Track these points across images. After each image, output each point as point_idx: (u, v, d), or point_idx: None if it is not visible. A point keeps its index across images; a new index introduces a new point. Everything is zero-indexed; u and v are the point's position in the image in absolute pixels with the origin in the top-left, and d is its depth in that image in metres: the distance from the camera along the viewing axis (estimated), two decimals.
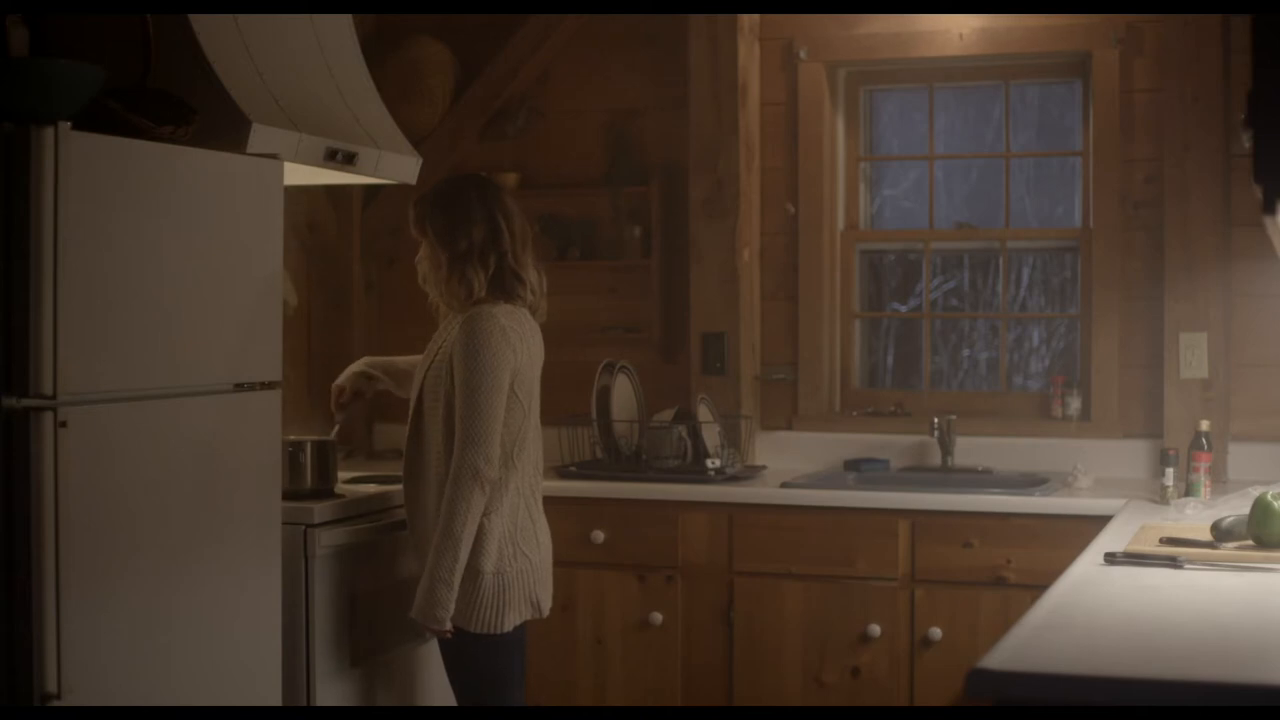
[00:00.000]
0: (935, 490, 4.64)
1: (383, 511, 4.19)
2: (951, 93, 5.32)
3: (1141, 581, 3.04)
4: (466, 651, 3.78)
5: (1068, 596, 2.92)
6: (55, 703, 3.02)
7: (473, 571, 3.70)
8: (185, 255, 3.42)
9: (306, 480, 4.08)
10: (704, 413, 4.98)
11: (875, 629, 4.51)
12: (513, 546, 3.77)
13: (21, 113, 3.06)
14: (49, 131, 3.03)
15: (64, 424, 3.06)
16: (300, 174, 4.07)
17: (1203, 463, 4.36)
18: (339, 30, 4.26)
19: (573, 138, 5.40)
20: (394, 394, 4.21)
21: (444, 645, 3.81)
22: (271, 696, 3.68)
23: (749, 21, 5.16)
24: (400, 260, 5.61)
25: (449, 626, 3.69)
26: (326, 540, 3.93)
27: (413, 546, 3.90)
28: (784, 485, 4.71)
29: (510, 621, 3.78)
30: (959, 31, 5.03)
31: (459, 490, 3.64)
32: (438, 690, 4.39)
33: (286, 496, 3.87)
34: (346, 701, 4.01)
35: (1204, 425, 4.46)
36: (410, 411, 3.86)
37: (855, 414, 5.21)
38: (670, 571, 4.71)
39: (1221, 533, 3.39)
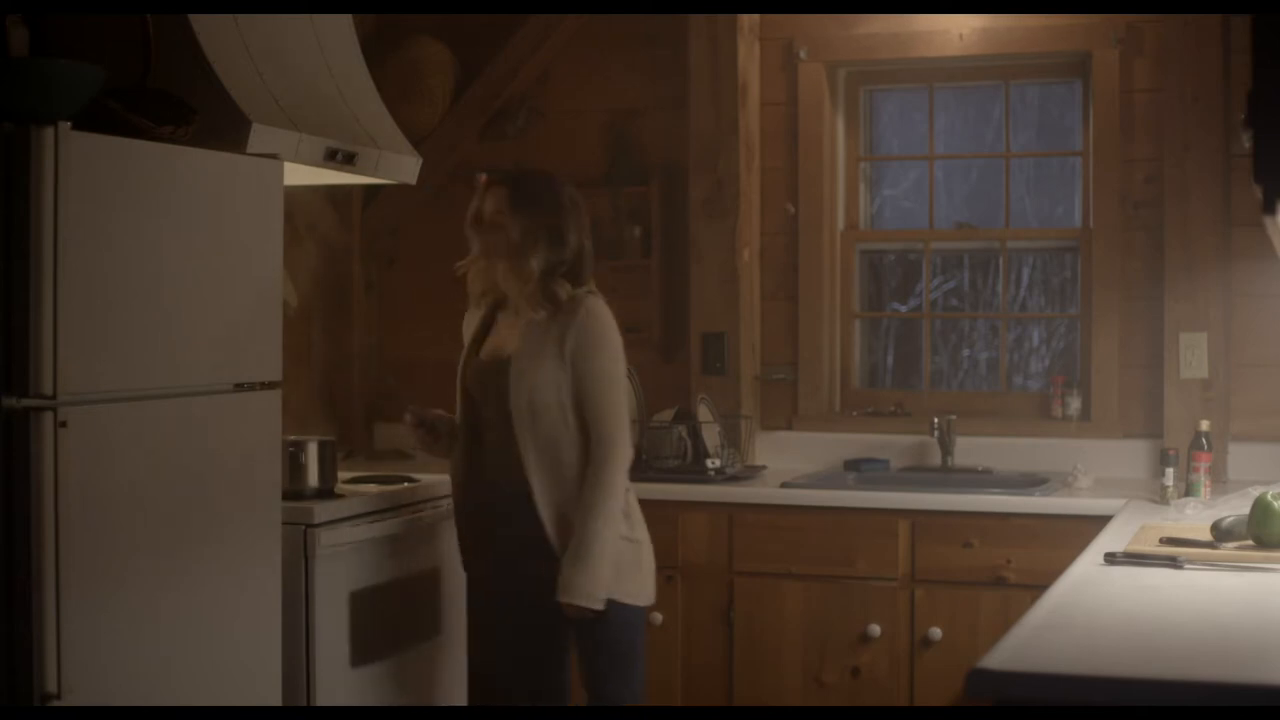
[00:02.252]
0: (935, 490, 4.64)
1: (383, 511, 4.19)
2: (951, 93, 5.32)
3: (1141, 581, 3.04)
4: (617, 623, 3.77)
5: (1068, 596, 2.92)
6: (55, 703, 3.02)
7: (633, 541, 3.78)
8: (185, 255, 3.42)
9: (307, 480, 4.08)
10: (704, 413, 4.98)
11: (875, 629, 4.51)
12: (642, 523, 3.87)
13: (21, 113, 3.06)
14: (49, 131, 3.03)
15: (64, 424, 3.06)
16: (300, 174, 4.07)
17: (1203, 463, 4.36)
18: (339, 30, 4.26)
19: (573, 138, 5.40)
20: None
21: (585, 626, 3.76)
22: (271, 696, 3.68)
23: (749, 21, 5.16)
24: (400, 260, 5.62)
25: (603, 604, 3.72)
26: (326, 540, 3.93)
27: (551, 540, 3.77)
28: (784, 485, 4.71)
29: (653, 591, 3.88)
30: (959, 31, 5.03)
31: (614, 473, 3.71)
32: (438, 690, 4.40)
33: (287, 496, 3.87)
34: (346, 701, 4.01)
35: (1204, 425, 4.46)
36: (498, 414, 3.79)
37: (855, 414, 5.21)
38: (670, 571, 4.70)
39: (1221, 533, 3.39)
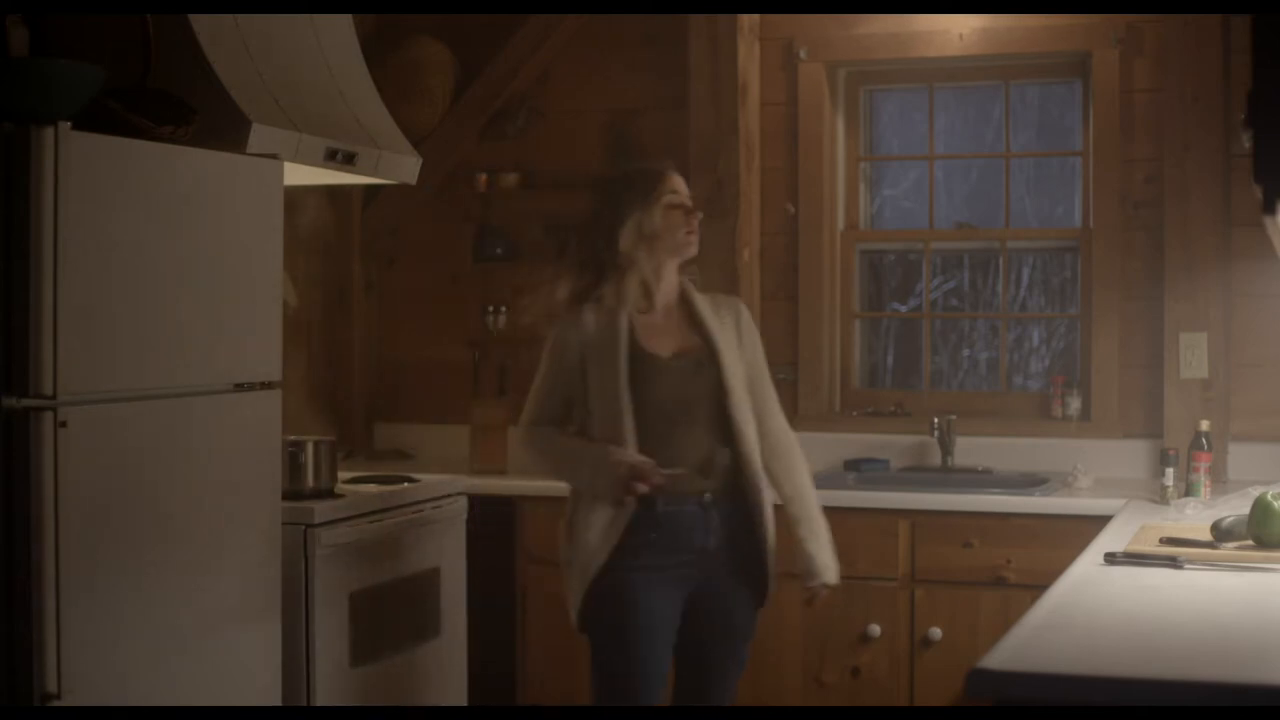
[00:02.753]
0: (935, 490, 4.64)
1: (383, 511, 4.19)
2: (951, 93, 5.32)
3: (1141, 581, 3.04)
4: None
5: (1068, 596, 2.92)
6: (55, 703, 3.02)
7: None
8: (185, 255, 3.42)
9: (306, 480, 4.08)
10: None
11: (875, 629, 4.51)
12: None
13: (21, 113, 3.06)
14: (49, 131, 3.03)
15: (64, 424, 3.06)
16: (300, 174, 4.07)
17: (1203, 463, 4.36)
18: (339, 30, 4.26)
19: (573, 138, 5.40)
20: None
21: (754, 617, 3.72)
22: (271, 696, 3.68)
23: (749, 21, 5.16)
24: (400, 260, 5.62)
25: None
26: (327, 540, 3.94)
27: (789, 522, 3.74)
28: None
29: None
30: (959, 31, 5.03)
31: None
32: (438, 690, 4.40)
33: (286, 496, 3.87)
34: (346, 701, 4.01)
35: (1204, 425, 4.46)
36: (694, 411, 3.61)
37: (855, 414, 5.20)
38: None
39: (1221, 533, 3.38)
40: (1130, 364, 4.92)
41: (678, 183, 3.69)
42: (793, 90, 5.20)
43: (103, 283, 3.19)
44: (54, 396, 3.06)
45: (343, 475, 4.38)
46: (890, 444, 5.09)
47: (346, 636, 4.01)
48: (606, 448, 3.54)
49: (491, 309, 5.41)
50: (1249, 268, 4.75)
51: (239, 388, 3.59)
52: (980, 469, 4.92)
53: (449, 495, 4.51)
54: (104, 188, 3.18)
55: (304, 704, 3.87)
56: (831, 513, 4.53)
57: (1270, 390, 4.76)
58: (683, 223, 3.66)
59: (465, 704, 4.58)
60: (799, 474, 3.76)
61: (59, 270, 3.05)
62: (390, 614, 4.18)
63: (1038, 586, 3.21)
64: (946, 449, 4.93)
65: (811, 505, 3.75)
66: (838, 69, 5.24)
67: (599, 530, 3.55)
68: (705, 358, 3.65)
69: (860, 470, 4.98)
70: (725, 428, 3.62)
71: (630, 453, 3.52)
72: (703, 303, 3.72)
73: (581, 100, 5.40)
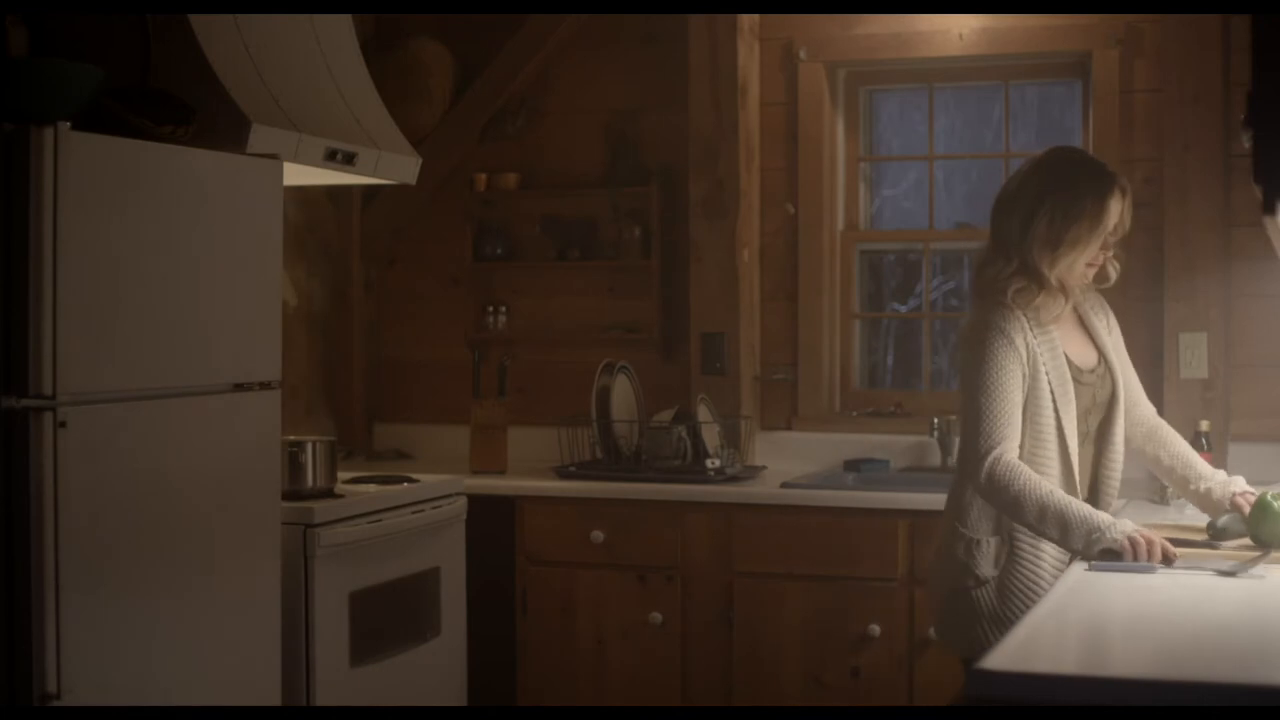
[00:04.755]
0: (935, 490, 4.63)
1: (383, 511, 4.19)
2: (951, 93, 5.32)
3: (1141, 582, 3.04)
4: None
5: (1068, 597, 2.92)
6: (55, 703, 3.03)
7: None
8: (185, 255, 3.42)
9: (307, 480, 4.08)
10: (704, 413, 4.98)
11: (875, 629, 4.51)
12: None
13: (21, 113, 3.06)
14: (49, 131, 3.03)
15: (64, 424, 3.06)
16: (300, 174, 4.07)
17: None
18: (339, 30, 4.27)
19: (573, 138, 5.40)
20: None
21: None
22: (271, 696, 3.68)
23: (749, 21, 5.16)
24: (400, 260, 5.62)
25: None
26: (327, 540, 3.94)
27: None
28: (784, 485, 4.70)
29: None
30: (959, 31, 5.03)
31: None
32: (438, 690, 4.40)
33: (287, 496, 3.88)
34: (346, 701, 4.01)
35: (1204, 425, 4.45)
36: (1109, 413, 3.46)
37: (855, 414, 5.20)
38: (670, 571, 4.70)
39: (1217, 531, 3.38)
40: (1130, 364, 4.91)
41: (1116, 205, 3.29)
42: (793, 90, 5.21)
43: (103, 283, 3.19)
44: (54, 396, 3.06)
45: (343, 475, 4.38)
46: (890, 444, 5.09)
47: (346, 636, 4.01)
48: (1124, 523, 3.17)
49: (491, 309, 5.42)
50: (1249, 268, 4.75)
51: (239, 388, 3.59)
52: None
53: (449, 495, 4.51)
54: (104, 188, 3.18)
55: (304, 704, 3.87)
56: (831, 512, 4.56)
57: (1270, 390, 4.76)
58: (1099, 252, 3.30)
59: (465, 704, 4.59)
60: (1178, 443, 3.57)
61: (59, 270, 3.05)
62: (390, 614, 4.18)
63: None
64: (946, 449, 4.93)
65: (1198, 461, 3.56)
66: (838, 69, 5.24)
67: (1051, 563, 3.35)
68: (1103, 371, 3.45)
69: (860, 470, 4.98)
70: (1106, 442, 3.46)
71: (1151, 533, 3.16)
72: (1087, 309, 3.50)
73: (581, 100, 5.40)
